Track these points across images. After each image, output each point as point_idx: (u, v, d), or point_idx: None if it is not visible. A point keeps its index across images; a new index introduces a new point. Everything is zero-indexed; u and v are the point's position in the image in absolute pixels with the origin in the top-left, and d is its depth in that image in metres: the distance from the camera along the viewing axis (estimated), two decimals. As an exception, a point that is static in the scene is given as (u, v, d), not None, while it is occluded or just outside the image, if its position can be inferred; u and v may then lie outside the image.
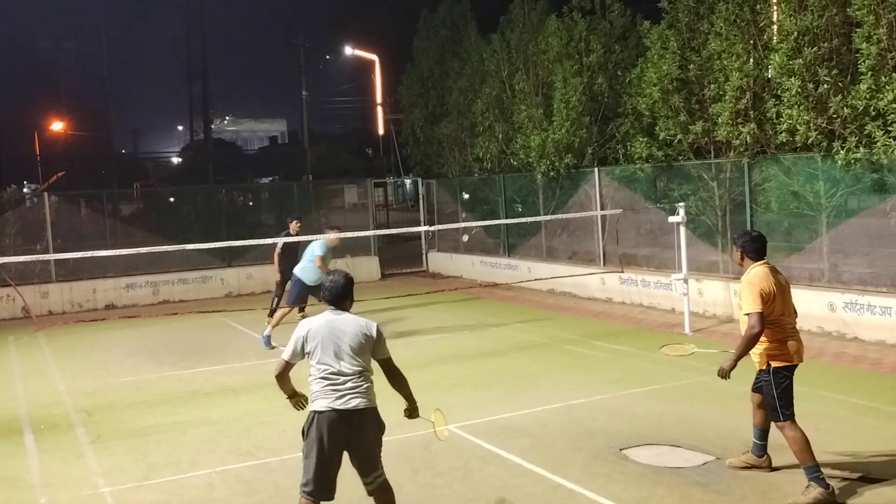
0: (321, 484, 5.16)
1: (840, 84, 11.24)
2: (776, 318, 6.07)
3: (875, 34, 10.62)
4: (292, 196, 22.85)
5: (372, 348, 5.26)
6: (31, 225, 18.89)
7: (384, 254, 22.44)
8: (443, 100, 22.17)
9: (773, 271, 6.18)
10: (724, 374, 6.18)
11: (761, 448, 6.47)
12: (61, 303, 17.77)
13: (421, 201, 23.30)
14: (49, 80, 49.04)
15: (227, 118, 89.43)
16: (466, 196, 21.62)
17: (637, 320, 13.63)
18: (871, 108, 10.75)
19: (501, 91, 19.02)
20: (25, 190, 43.03)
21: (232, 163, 57.53)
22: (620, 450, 7.12)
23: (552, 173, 17.00)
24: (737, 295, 6.41)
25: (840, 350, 10.62)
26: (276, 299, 14.02)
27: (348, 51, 39.10)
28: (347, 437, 5.13)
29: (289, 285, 12.90)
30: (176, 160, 65.97)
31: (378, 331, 5.31)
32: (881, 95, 10.54)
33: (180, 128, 72.14)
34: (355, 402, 5.11)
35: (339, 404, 5.09)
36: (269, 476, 6.91)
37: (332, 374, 5.14)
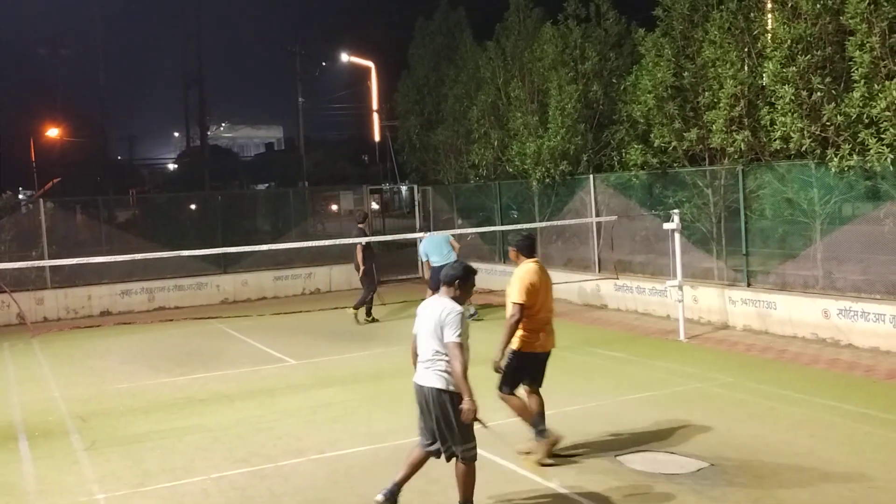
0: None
1: (833, 92, 11.29)
2: (535, 311, 6.98)
3: (868, 42, 10.67)
4: (288, 203, 22.85)
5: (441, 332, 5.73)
6: (26, 231, 18.87)
7: (379, 260, 22.40)
8: (438, 107, 22.20)
9: (542, 269, 7.17)
10: (497, 365, 6.99)
11: (541, 431, 7.06)
12: (56, 309, 17.73)
13: (416, 208, 23.31)
14: (45, 86, 49.06)
15: (224, 125, 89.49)
16: (466, 206, 21.63)
17: (632, 327, 13.65)
18: (865, 115, 10.79)
19: (497, 98, 19.06)
20: (21, 196, 43.02)
21: (228, 169, 57.52)
22: (615, 456, 7.13)
23: (547, 180, 17.03)
24: (509, 286, 7.11)
25: (834, 357, 10.65)
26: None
27: (344, 58, 39.12)
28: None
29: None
30: (172, 167, 65.97)
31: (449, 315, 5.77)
32: (874, 103, 10.58)
33: (176, 134, 72.31)
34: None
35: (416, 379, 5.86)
36: (264, 483, 6.91)
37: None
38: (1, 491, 7.03)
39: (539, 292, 7.00)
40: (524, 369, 7.16)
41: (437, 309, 5.78)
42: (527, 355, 7.09)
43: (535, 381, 7.28)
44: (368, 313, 15.14)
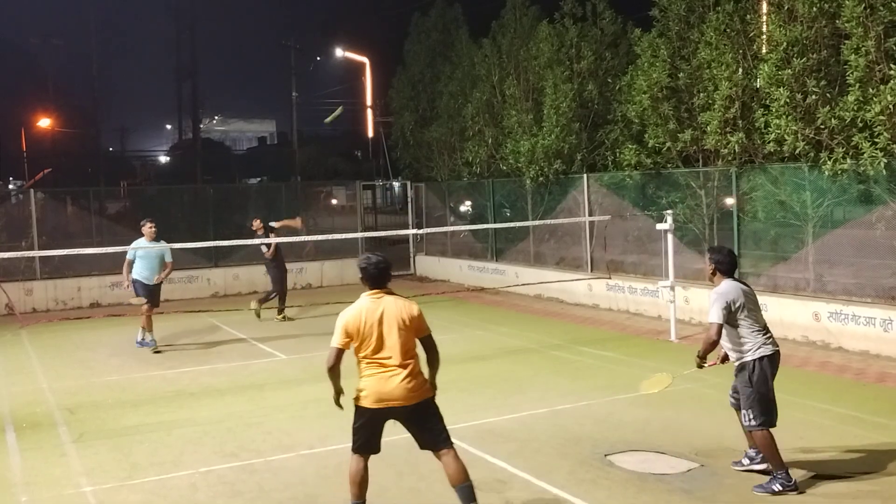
0: None
1: (828, 95, 11.32)
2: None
3: (863, 46, 10.69)
4: (280, 197, 22.78)
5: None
6: (16, 221, 18.77)
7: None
8: (433, 103, 22.16)
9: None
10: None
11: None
12: (46, 300, 17.65)
13: (409, 204, 23.29)
14: (37, 76, 48.68)
15: (216, 118, 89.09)
16: (463, 205, 21.61)
17: (624, 327, 13.67)
18: (859, 119, 10.82)
19: (492, 96, 19.05)
20: (11, 186, 42.79)
21: (220, 163, 57.36)
22: (605, 456, 7.13)
23: (541, 179, 17.03)
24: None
25: (824, 359, 10.68)
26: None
27: (339, 53, 39.03)
28: None
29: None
30: (164, 159, 65.73)
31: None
32: (868, 107, 10.61)
33: (169, 126, 71.90)
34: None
35: None
36: (253, 478, 6.88)
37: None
38: (-13, 482, 6.99)
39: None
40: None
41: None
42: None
43: None
44: (280, 311, 15.20)
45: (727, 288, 6.43)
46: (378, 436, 5.63)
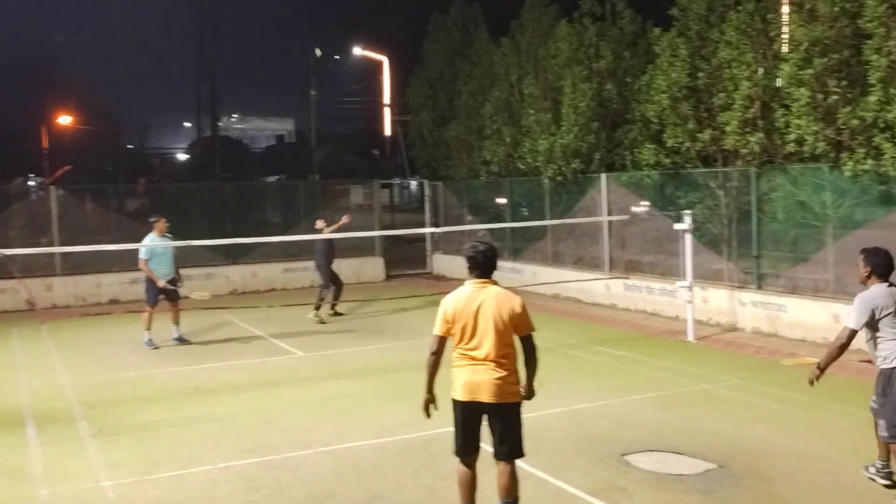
0: None
1: (849, 95, 11.22)
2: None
3: (885, 46, 10.60)
4: (298, 195, 22.86)
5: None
6: (36, 218, 18.92)
7: (389, 255, 22.43)
8: (451, 102, 22.17)
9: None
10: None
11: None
12: (65, 296, 17.79)
13: (427, 203, 23.29)
14: (58, 74, 49.19)
15: (235, 116, 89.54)
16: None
17: (641, 327, 13.62)
18: (880, 120, 10.73)
19: (510, 95, 19.02)
20: (31, 183, 43.18)
21: (238, 160, 57.56)
22: (622, 455, 7.11)
23: (559, 178, 16.99)
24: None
25: (844, 361, 10.57)
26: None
27: (357, 51, 39.13)
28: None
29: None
30: (183, 157, 66.06)
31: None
32: (890, 107, 10.52)
33: (188, 124, 72.34)
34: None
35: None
36: (271, 474, 6.91)
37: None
38: (8, 476, 7.06)
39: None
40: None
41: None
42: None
43: None
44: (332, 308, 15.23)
45: (876, 293, 6.02)
46: (475, 434, 5.35)
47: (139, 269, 12.74)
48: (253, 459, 7.29)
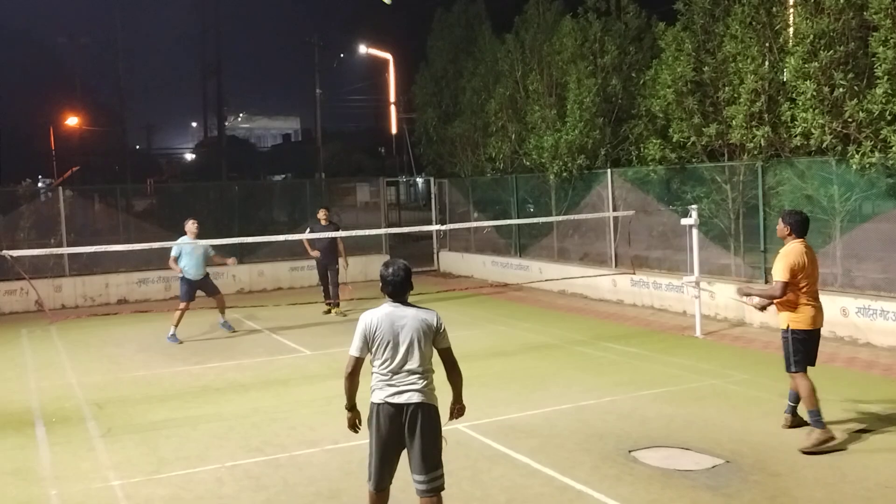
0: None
1: (856, 88, 11.18)
2: (801, 287, 7.06)
3: (892, 38, 10.54)
4: (305, 194, 22.88)
5: (433, 339, 5.09)
6: (45, 219, 18.99)
7: (396, 252, 22.43)
8: (456, 99, 22.17)
9: (809, 250, 7.23)
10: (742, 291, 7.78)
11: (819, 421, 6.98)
12: (74, 297, 17.86)
13: (433, 200, 23.30)
14: (65, 75, 49.28)
15: (241, 115, 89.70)
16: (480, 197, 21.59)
17: (648, 322, 13.60)
18: (887, 112, 10.68)
19: (515, 91, 19.01)
20: (40, 184, 43.33)
21: (245, 160, 57.64)
22: (629, 452, 7.10)
23: (565, 174, 16.97)
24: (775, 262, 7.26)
25: (852, 355, 10.56)
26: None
27: (362, 49, 39.13)
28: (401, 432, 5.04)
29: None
30: (189, 156, 66.21)
31: (440, 322, 5.12)
32: (897, 100, 10.47)
33: (194, 124, 72.52)
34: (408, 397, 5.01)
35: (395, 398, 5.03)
36: (278, 472, 6.93)
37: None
38: (17, 475, 7.09)
39: (803, 271, 7.05)
40: (809, 347, 7.13)
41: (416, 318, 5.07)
42: (810, 332, 7.10)
43: (812, 362, 7.20)
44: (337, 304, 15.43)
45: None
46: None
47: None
48: (260, 458, 7.31)
